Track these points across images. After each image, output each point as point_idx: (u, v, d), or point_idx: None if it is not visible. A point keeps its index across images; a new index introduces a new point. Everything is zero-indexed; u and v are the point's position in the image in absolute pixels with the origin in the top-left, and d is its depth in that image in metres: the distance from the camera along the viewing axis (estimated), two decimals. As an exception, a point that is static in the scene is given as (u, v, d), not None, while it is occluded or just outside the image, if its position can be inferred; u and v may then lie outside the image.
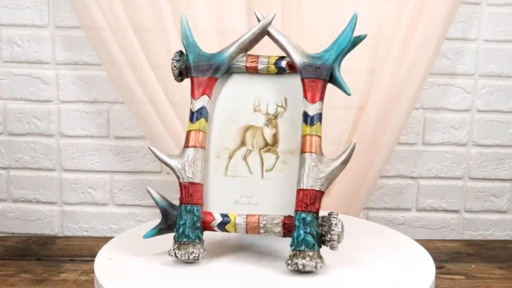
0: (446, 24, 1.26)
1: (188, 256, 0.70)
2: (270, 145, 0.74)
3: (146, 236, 0.74)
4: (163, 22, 1.24)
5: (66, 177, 1.43)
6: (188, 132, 0.75)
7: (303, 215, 0.67)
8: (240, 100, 0.77)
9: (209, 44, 1.15)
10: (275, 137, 0.74)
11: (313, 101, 0.71)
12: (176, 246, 0.71)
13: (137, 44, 1.25)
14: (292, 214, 0.69)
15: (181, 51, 0.79)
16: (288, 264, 0.67)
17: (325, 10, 1.25)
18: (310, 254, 0.67)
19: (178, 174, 0.73)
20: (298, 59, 0.74)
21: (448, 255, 1.32)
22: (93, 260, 0.73)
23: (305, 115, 0.71)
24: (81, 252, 1.31)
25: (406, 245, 0.81)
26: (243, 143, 0.75)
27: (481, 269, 1.25)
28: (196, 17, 1.23)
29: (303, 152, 0.70)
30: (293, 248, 0.67)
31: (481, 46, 1.39)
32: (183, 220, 0.71)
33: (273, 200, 0.72)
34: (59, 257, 1.28)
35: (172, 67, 0.77)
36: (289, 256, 0.68)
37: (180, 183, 0.73)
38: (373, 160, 1.31)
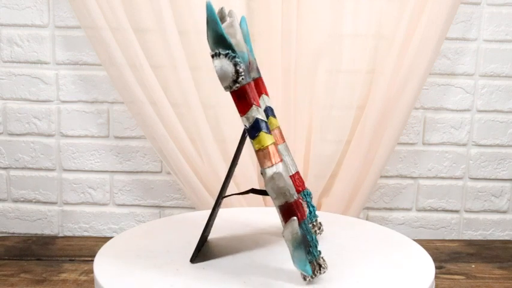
0: (446, 24, 1.26)
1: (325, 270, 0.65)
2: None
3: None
4: (163, 22, 1.24)
5: (66, 177, 1.43)
6: (267, 148, 0.63)
7: None
8: None
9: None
10: None
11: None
12: (318, 265, 0.64)
13: (137, 44, 1.25)
14: None
15: (232, 49, 0.62)
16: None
17: (325, 10, 1.25)
18: None
19: (292, 193, 0.64)
20: None
21: (448, 255, 1.32)
22: (93, 260, 0.73)
23: None
24: (81, 252, 1.31)
25: (406, 245, 0.81)
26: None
27: (481, 269, 1.25)
28: (196, 17, 1.23)
29: None
30: None
31: (481, 46, 1.39)
32: (311, 237, 0.64)
33: None
34: (59, 257, 1.28)
35: (238, 71, 0.61)
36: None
37: (296, 201, 0.63)
38: (373, 160, 1.31)
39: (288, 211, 0.63)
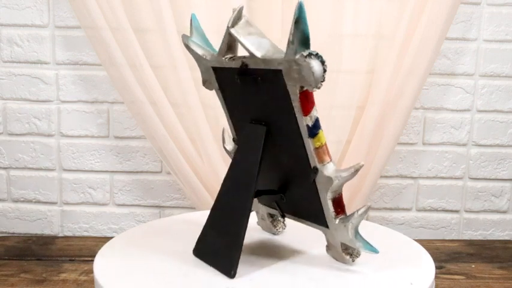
0: (446, 24, 1.26)
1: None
2: None
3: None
4: (163, 22, 1.24)
5: (66, 177, 1.43)
6: (325, 145, 0.68)
7: None
8: None
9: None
10: None
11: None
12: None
13: (137, 44, 1.25)
14: None
15: (316, 52, 0.62)
16: None
17: (326, 10, 1.25)
18: None
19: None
20: None
21: (448, 255, 1.32)
22: (93, 260, 0.73)
23: None
24: (81, 252, 1.31)
25: (406, 245, 0.81)
26: None
27: (481, 269, 1.25)
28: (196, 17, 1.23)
29: None
30: None
31: (481, 46, 1.39)
32: None
33: None
34: (59, 257, 1.28)
35: (325, 70, 0.61)
36: None
37: (341, 194, 0.70)
38: (373, 160, 1.31)
39: (339, 203, 0.69)
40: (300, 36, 0.61)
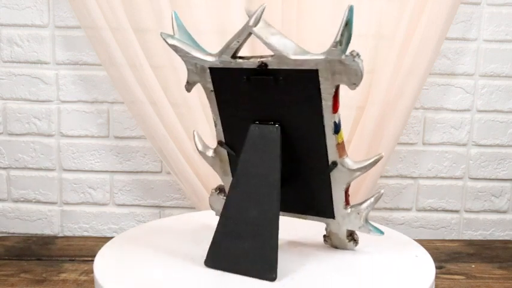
0: (446, 24, 1.26)
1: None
2: None
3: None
4: (163, 22, 1.24)
5: (66, 177, 1.43)
6: (344, 141, 0.74)
7: None
8: None
9: (209, 44, 1.15)
10: None
11: None
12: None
13: (137, 44, 1.25)
14: None
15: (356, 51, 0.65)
16: None
17: (326, 10, 1.25)
18: None
19: None
20: None
21: (448, 255, 1.32)
22: (93, 260, 0.73)
23: None
24: (81, 252, 1.31)
25: (406, 245, 0.81)
26: None
27: (481, 269, 1.25)
28: (196, 17, 1.23)
29: None
30: None
31: (481, 46, 1.39)
32: None
33: None
34: (59, 257, 1.28)
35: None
36: None
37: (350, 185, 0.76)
38: (373, 160, 1.31)
39: (347, 192, 0.74)
40: (347, 38, 0.63)
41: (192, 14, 1.23)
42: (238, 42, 0.69)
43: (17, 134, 1.40)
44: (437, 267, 0.73)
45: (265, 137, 0.71)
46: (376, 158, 0.74)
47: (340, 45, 0.63)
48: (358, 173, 0.73)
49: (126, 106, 1.34)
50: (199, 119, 1.27)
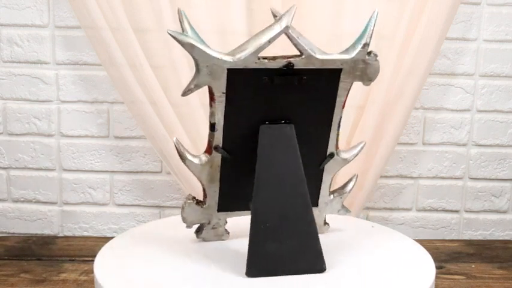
0: (446, 24, 1.26)
1: None
2: None
3: None
4: (163, 22, 1.24)
5: (66, 177, 1.43)
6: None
7: None
8: None
9: (209, 44, 1.15)
10: None
11: None
12: None
13: (137, 44, 1.25)
14: None
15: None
16: None
17: (326, 10, 1.25)
18: None
19: None
20: None
21: (448, 255, 1.32)
22: (93, 260, 0.73)
23: None
24: (81, 252, 1.31)
25: (406, 245, 0.81)
26: None
27: (481, 269, 1.25)
28: (196, 17, 1.23)
29: None
30: None
31: (481, 46, 1.39)
32: None
33: None
34: (59, 257, 1.28)
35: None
36: None
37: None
38: (373, 160, 1.31)
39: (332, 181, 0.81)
40: (370, 39, 0.70)
41: (192, 14, 1.23)
42: (269, 42, 0.67)
43: (17, 134, 1.40)
44: (437, 267, 0.73)
45: (280, 136, 0.71)
46: (361, 146, 0.81)
47: (368, 46, 0.68)
48: (350, 161, 0.79)
49: (126, 106, 1.34)
50: (199, 119, 1.27)
